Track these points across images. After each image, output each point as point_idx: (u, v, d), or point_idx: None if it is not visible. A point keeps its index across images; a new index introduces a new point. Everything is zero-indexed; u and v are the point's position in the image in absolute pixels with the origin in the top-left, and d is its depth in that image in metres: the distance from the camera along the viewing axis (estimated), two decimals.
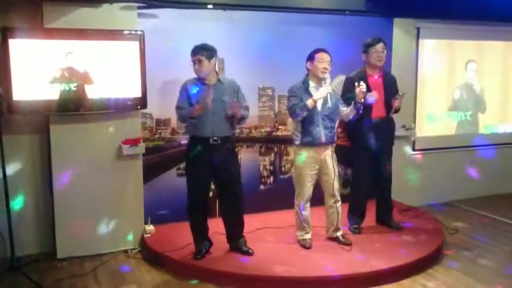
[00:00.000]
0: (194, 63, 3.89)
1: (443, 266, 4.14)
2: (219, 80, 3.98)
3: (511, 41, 6.36)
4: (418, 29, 5.74)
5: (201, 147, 3.89)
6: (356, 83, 4.09)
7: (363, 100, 4.09)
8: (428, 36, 5.81)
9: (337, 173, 4.24)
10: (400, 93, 4.48)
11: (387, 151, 4.66)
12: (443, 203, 5.95)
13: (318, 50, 4.10)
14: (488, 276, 3.94)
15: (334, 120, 4.20)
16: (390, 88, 4.54)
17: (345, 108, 4.20)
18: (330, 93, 4.01)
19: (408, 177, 5.64)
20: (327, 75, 4.06)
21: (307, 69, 4.17)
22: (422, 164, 5.90)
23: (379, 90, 4.44)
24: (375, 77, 4.50)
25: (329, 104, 4.04)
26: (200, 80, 3.92)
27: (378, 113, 4.47)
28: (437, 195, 5.94)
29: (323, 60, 4.05)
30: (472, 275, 3.96)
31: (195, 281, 3.80)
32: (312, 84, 4.13)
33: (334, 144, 4.25)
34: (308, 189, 4.15)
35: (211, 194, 4.27)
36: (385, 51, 4.49)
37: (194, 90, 3.91)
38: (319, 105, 4.07)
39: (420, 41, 5.77)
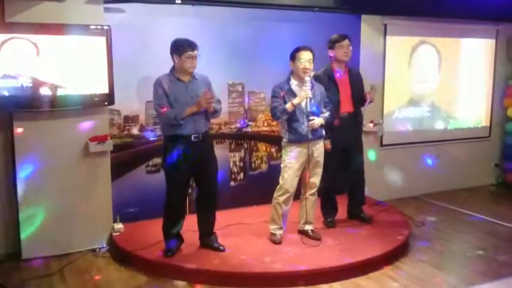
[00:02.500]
0: (191, 58, 3.79)
1: (411, 258, 4.23)
2: (194, 77, 3.93)
3: (476, 38, 6.52)
4: (385, 25, 5.83)
5: (183, 145, 3.83)
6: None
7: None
8: (396, 33, 5.90)
9: (322, 168, 4.28)
10: (371, 87, 4.56)
11: (356, 145, 4.72)
12: (410, 197, 6.08)
13: (298, 49, 4.10)
14: (454, 268, 4.06)
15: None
16: (357, 84, 4.62)
17: (324, 110, 4.24)
18: (309, 97, 4.02)
19: (376, 172, 5.73)
20: (307, 78, 4.06)
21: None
22: (390, 159, 6.01)
23: (345, 86, 4.52)
24: (341, 73, 4.56)
25: (315, 102, 4.05)
26: (175, 77, 3.85)
27: (345, 108, 4.53)
28: (404, 190, 6.06)
29: (303, 60, 4.05)
30: (438, 266, 4.06)
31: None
32: (294, 82, 4.14)
33: (323, 139, 4.27)
34: (293, 185, 4.17)
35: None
36: (351, 47, 4.54)
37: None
38: (303, 103, 4.07)
39: (387, 37, 5.86)
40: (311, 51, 4.10)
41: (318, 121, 4.10)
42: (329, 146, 4.41)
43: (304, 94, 4.01)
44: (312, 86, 4.12)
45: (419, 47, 6.15)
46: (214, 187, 4.07)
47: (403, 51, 6.03)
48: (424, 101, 6.31)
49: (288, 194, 4.18)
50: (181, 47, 3.80)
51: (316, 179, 4.27)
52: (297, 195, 4.34)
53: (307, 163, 4.18)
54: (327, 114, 4.23)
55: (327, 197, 4.71)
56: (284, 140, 4.20)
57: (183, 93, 3.83)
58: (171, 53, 3.85)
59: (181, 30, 4.27)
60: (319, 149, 4.22)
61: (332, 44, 4.51)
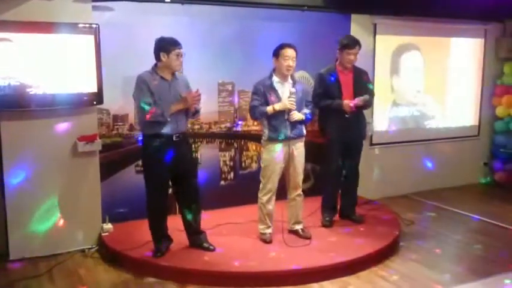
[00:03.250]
0: (178, 56, 3.79)
1: (400, 256, 4.25)
2: (175, 76, 3.91)
3: (464, 38, 6.57)
4: (375, 25, 5.84)
5: (164, 145, 3.79)
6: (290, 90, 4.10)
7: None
8: (385, 32, 5.92)
9: (303, 167, 4.27)
10: (362, 96, 4.49)
11: (358, 145, 4.72)
12: (399, 196, 6.10)
13: (282, 46, 4.07)
14: (443, 266, 4.07)
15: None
16: (360, 83, 4.59)
17: (305, 110, 4.22)
18: (293, 109, 4.02)
19: (366, 171, 5.73)
20: (293, 90, 4.05)
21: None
22: (379, 158, 6.03)
23: (348, 86, 4.52)
24: (345, 72, 4.55)
25: (297, 101, 4.05)
26: (158, 75, 3.82)
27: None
28: (394, 188, 6.09)
29: (287, 58, 4.03)
30: (427, 264, 4.08)
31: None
32: (276, 79, 4.13)
33: (303, 138, 4.27)
34: (273, 183, 4.17)
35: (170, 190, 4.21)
36: (358, 54, 4.51)
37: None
38: (285, 98, 4.06)
39: (377, 36, 5.87)
40: (294, 49, 4.07)
41: (296, 115, 4.08)
42: (351, 104, 4.36)
43: (289, 105, 4.01)
44: (294, 84, 4.12)
45: (405, 53, 6.17)
46: (196, 187, 4.07)
47: (391, 52, 6.05)
48: (413, 101, 6.33)
49: (270, 193, 4.18)
50: (169, 45, 3.78)
51: (298, 179, 4.25)
52: (283, 194, 4.33)
53: (287, 162, 4.18)
54: (306, 111, 4.21)
55: (328, 197, 4.71)
56: (264, 137, 4.17)
57: (167, 92, 3.80)
58: (157, 51, 3.79)
59: (170, 28, 4.24)
60: (299, 148, 4.22)
61: (342, 47, 4.48)
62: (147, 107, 3.71)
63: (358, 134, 4.67)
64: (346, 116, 4.47)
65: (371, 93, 4.65)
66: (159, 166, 3.83)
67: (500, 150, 6.70)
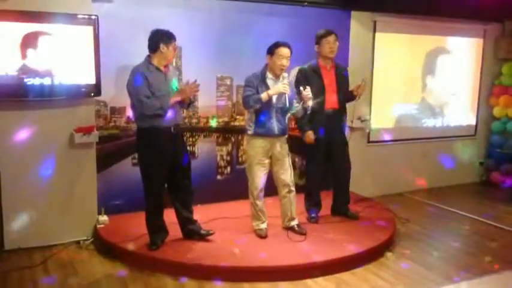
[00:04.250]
0: (174, 48, 3.83)
1: (395, 254, 4.26)
2: (168, 67, 3.91)
3: (464, 37, 6.57)
4: (375, 22, 5.83)
5: (163, 137, 3.80)
6: (301, 88, 4.13)
7: (309, 103, 4.16)
8: (385, 30, 5.91)
9: (290, 164, 4.27)
10: (362, 80, 4.55)
11: (341, 142, 4.70)
12: (395, 194, 6.12)
13: (278, 45, 4.05)
14: (438, 265, 4.09)
15: (287, 114, 4.22)
16: (342, 79, 4.61)
17: (297, 105, 4.23)
18: (287, 93, 4.01)
19: (362, 168, 5.75)
20: (285, 74, 4.07)
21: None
22: (377, 155, 6.04)
23: (331, 82, 4.52)
24: (327, 68, 4.55)
25: (286, 99, 4.03)
26: (154, 66, 3.81)
27: (330, 104, 4.53)
28: (390, 186, 6.10)
29: (282, 57, 4.03)
30: (422, 263, 4.09)
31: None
32: (269, 75, 4.12)
33: (286, 136, 4.27)
34: (261, 179, 4.17)
35: None
36: (337, 43, 4.53)
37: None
38: (274, 98, 4.07)
39: (377, 34, 5.87)
40: (290, 48, 4.07)
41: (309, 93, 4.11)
42: (312, 136, 4.41)
43: (282, 88, 3.99)
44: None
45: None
46: (190, 177, 4.07)
47: (392, 50, 6.05)
48: (411, 99, 6.34)
49: (258, 189, 4.18)
50: (169, 37, 3.80)
51: (286, 176, 4.24)
52: (273, 190, 4.34)
53: (273, 159, 4.19)
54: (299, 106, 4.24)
55: (310, 193, 4.71)
56: (249, 131, 4.16)
57: (163, 83, 3.81)
58: (157, 42, 3.78)
59: (169, 21, 4.23)
60: (283, 144, 4.22)
61: (318, 39, 4.49)
62: (146, 100, 3.70)
63: (338, 131, 4.64)
64: (328, 112, 4.48)
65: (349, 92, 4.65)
66: (158, 158, 3.83)
67: (496, 150, 6.71)
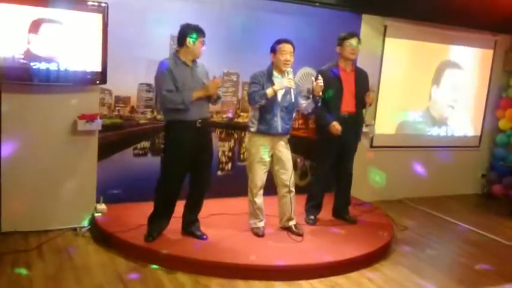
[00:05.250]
0: (202, 43, 3.80)
1: (391, 261, 4.24)
2: (195, 63, 3.89)
3: (474, 47, 6.52)
4: (386, 27, 5.81)
5: (188, 131, 3.79)
6: (313, 78, 4.10)
7: (321, 93, 4.11)
8: (395, 35, 5.88)
9: (291, 164, 4.26)
10: (371, 88, 4.55)
11: (353, 146, 4.69)
12: (395, 200, 6.10)
13: (280, 41, 4.06)
14: (433, 274, 4.07)
15: (292, 113, 4.22)
16: (362, 83, 4.57)
17: (303, 102, 4.21)
18: (292, 88, 4.00)
19: (363, 172, 5.73)
20: (290, 69, 4.06)
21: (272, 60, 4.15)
22: (378, 160, 6.01)
23: (350, 85, 4.49)
24: (347, 71, 4.52)
25: (291, 98, 4.04)
26: (181, 60, 3.80)
27: (347, 107, 4.49)
28: (390, 192, 6.08)
29: (285, 52, 4.03)
30: (417, 271, 4.07)
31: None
32: (275, 74, 4.11)
33: (288, 136, 4.26)
34: (261, 177, 4.16)
35: None
36: (359, 46, 4.52)
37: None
38: (279, 96, 4.06)
39: (387, 39, 5.84)
40: (292, 44, 4.07)
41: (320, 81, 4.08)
42: (338, 127, 4.37)
43: (287, 82, 3.99)
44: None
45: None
46: (209, 175, 4.07)
47: (401, 56, 6.02)
48: (417, 107, 6.31)
49: (258, 187, 4.17)
50: (198, 32, 3.78)
51: (286, 176, 4.22)
52: (273, 188, 4.32)
53: (274, 159, 4.18)
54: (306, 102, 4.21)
55: (313, 194, 4.70)
56: (252, 129, 4.14)
57: (189, 78, 3.80)
58: (184, 36, 3.77)
59: (180, 14, 4.23)
60: (285, 144, 4.21)
61: (340, 41, 4.47)
62: (167, 94, 3.71)
63: (354, 135, 4.63)
64: (345, 116, 4.45)
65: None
66: (181, 152, 3.83)
67: (499, 163, 6.68)
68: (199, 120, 3.83)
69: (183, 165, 3.88)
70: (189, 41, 3.75)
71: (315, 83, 4.09)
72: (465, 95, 6.62)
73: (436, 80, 6.35)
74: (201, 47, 3.82)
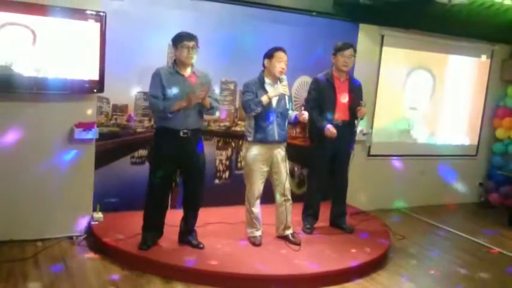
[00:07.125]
0: (187, 49, 3.74)
1: (388, 271, 4.23)
2: (194, 73, 3.90)
3: (471, 57, 6.55)
4: (383, 36, 5.83)
5: (170, 139, 3.80)
6: (301, 111, 4.13)
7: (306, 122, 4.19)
8: (392, 44, 5.91)
9: (288, 172, 4.26)
10: (362, 103, 4.54)
11: (346, 155, 4.69)
12: (392, 209, 6.09)
13: (277, 49, 4.09)
14: (430, 284, 4.07)
15: (286, 119, 4.22)
16: (355, 93, 4.60)
17: (291, 112, 4.24)
18: (287, 94, 4.04)
19: (361, 181, 5.73)
20: (284, 76, 4.07)
21: (264, 66, 4.16)
22: (376, 169, 6.01)
23: (343, 94, 4.52)
24: (341, 80, 4.55)
25: (286, 103, 4.07)
26: (175, 69, 3.82)
27: (341, 116, 4.52)
28: (387, 201, 6.07)
29: (281, 60, 4.06)
30: (414, 281, 4.06)
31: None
32: (267, 81, 4.13)
33: (285, 143, 4.27)
34: (258, 186, 4.16)
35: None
36: (353, 58, 4.54)
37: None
38: (274, 103, 4.08)
39: (384, 48, 5.86)
40: (286, 53, 4.11)
41: (306, 115, 4.11)
42: (333, 130, 4.38)
43: (282, 88, 4.01)
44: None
45: (413, 72, 6.17)
46: (199, 186, 4.03)
47: (398, 66, 6.04)
48: (415, 116, 6.32)
49: (255, 197, 4.17)
50: (178, 38, 3.80)
51: (285, 185, 4.22)
52: (272, 198, 4.31)
53: (271, 167, 4.18)
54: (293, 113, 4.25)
55: (309, 204, 4.69)
56: (249, 138, 4.15)
57: (180, 87, 3.79)
58: (174, 45, 3.82)
59: (178, 23, 4.24)
60: (282, 152, 4.21)
61: (335, 52, 4.51)
62: (151, 100, 3.76)
63: (346, 144, 4.64)
64: (338, 123, 4.46)
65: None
66: (162, 160, 3.85)
67: (497, 171, 6.69)
68: (184, 130, 3.81)
69: (165, 173, 3.87)
70: (176, 48, 3.78)
71: (301, 118, 4.10)
72: (460, 105, 6.62)
73: (433, 89, 6.34)
74: (187, 53, 3.76)
